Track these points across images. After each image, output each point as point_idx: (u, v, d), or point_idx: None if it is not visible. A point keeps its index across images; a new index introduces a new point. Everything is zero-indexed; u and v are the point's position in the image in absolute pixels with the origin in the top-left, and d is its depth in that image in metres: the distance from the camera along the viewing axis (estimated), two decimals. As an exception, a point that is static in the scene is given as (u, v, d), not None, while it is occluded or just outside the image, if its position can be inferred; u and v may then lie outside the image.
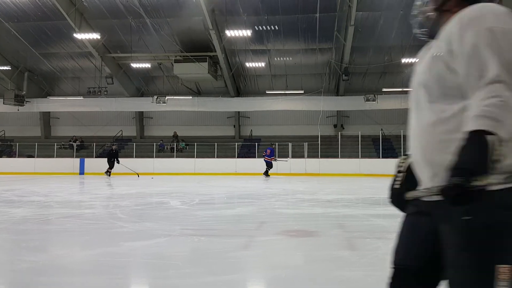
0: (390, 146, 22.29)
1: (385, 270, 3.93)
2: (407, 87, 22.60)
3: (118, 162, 18.84)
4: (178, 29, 20.22)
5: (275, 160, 19.21)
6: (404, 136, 19.72)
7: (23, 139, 25.79)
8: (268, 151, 19.12)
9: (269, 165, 19.03)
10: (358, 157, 20.05)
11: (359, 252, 4.23)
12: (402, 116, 24.18)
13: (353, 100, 22.67)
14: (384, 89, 23.01)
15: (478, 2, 1.33)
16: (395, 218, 5.86)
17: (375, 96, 21.06)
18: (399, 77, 22.81)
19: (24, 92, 24.12)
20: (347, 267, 3.64)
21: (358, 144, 20.45)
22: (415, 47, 20.08)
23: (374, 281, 3.27)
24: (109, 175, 18.75)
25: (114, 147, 19.47)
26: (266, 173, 18.91)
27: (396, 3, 17.68)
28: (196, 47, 21.02)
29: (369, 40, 19.90)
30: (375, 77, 23.36)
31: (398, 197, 1.50)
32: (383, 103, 22.04)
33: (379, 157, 20.33)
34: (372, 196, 9.75)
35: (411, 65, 21.28)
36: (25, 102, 24.16)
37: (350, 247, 4.49)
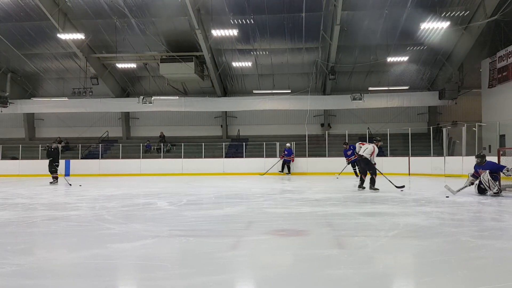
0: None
1: (374, 267, 3.96)
2: (392, 86, 22.92)
3: (57, 165, 15.47)
4: (164, 29, 20.11)
5: (353, 159, 15.94)
6: (391, 135, 19.92)
7: (7, 141, 25.43)
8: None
9: (353, 165, 16.73)
10: (345, 156, 20.17)
11: (347, 250, 4.26)
12: (388, 114, 24.44)
13: (340, 99, 22.86)
14: (370, 88, 23.26)
15: None
16: (383, 216, 5.92)
17: (361, 95, 21.26)
18: (385, 76, 23.07)
19: (7, 94, 23.82)
20: (336, 266, 3.66)
21: (345, 143, 20.57)
22: (400, 46, 20.34)
23: (363, 279, 3.29)
24: (56, 181, 15.31)
25: (54, 145, 16.16)
26: (357, 175, 16.10)
27: (381, 3, 17.86)
28: (182, 47, 20.94)
29: (355, 39, 20.07)
30: (361, 76, 23.57)
31: None
32: (370, 102, 22.27)
33: (366, 156, 20.46)
34: (359, 195, 9.81)
35: (396, 64, 21.54)
36: (8, 103, 23.87)
37: (338, 245, 4.51)
